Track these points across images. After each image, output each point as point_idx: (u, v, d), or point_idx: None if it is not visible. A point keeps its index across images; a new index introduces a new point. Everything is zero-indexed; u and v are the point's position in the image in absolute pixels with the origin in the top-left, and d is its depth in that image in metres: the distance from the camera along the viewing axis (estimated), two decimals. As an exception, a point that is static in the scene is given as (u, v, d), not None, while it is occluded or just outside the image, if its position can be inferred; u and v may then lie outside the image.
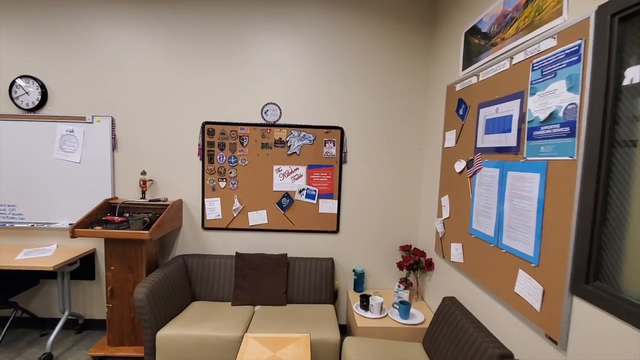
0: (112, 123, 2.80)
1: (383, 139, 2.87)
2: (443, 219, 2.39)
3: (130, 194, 2.85)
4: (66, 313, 2.75)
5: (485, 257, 1.84)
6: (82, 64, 2.76)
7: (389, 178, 2.90)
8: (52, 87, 2.77)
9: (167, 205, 2.69)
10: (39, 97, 2.75)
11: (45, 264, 2.42)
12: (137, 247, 2.51)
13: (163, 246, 2.92)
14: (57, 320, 2.84)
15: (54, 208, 2.83)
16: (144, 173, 2.75)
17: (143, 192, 2.76)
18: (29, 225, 2.82)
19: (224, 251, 2.92)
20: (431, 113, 2.75)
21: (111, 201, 2.74)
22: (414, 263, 2.71)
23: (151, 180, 2.84)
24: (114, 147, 2.82)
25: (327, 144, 2.84)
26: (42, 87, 2.75)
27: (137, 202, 2.72)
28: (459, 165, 2.16)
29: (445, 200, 2.37)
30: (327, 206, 2.89)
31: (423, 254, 2.76)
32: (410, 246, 2.89)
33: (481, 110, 1.94)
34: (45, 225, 2.82)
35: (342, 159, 2.86)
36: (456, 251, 2.17)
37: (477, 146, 1.97)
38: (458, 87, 2.25)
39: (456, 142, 2.24)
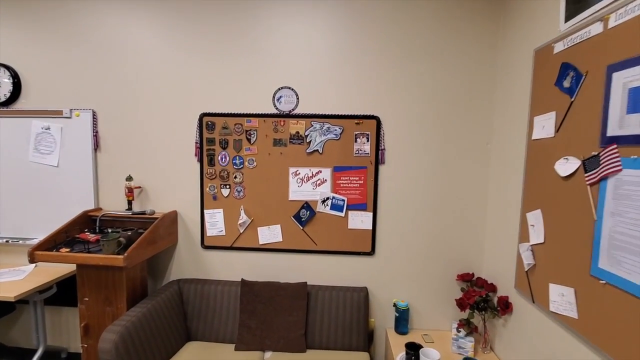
0: (94, 117, 2.29)
1: (433, 132, 2.14)
2: (531, 245, 1.63)
3: (117, 203, 2.33)
4: (41, 348, 2.27)
5: (629, 321, 1.08)
6: (60, 48, 2.27)
7: (441, 183, 2.16)
8: (27, 77, 2.31)
9: (155, 218, 2.12)
10: (11, 88, 2.29)
11: (6, 293, 1.93)
12: (115, 274, 1.96)
13: (155, 268, 2.37)
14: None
15: (30, 221, 2.37)
16: (129, 179, 2.21)
17: (129, 202, 2.23)
18: (3, 240, 2.38)
19: (227, 275, 2.32)
20: (505, 93, 1.98)
21: (92, 213, 2.23)
22: (481, 300, 1.96)
23: (139, 187, 2.30)
24: (96, 146, 2.30)
25: (358, 139, 2.16)
26: (15, 76, 2.29)
27: (120, 214, 2.19)
28: (567, 166, 1.40)
29: (534, 217, 1.61)
30: (359, 220, 2.20)
31: (493, 287, 2.00)
32: (473, 275, 2.14)
33: (616, 76, 1.18)
34: (20, 242, 2.37)
35: (378, 159, 2.17)
36: (561, 298, 1.41)
37: (608, 134, 1.21)
38: (559, 47, 1.48)
39: (557, 131, 1.48)
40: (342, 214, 2.21)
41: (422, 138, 2.15)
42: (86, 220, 2.22)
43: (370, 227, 2.21)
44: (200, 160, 2.25)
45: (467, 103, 2.11)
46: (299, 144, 2.19)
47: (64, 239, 2.02)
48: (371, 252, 2.22)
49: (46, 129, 2.31)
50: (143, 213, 2.13)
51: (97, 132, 2.30)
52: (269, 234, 2.26)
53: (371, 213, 2.20)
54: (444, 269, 2.21)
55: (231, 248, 2.29)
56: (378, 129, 2.15)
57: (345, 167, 2.18)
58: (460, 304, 2.01)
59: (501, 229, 1.97)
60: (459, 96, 2.11)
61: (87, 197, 2.32)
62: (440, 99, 2.12)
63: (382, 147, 2.16)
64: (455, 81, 2.10)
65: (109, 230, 2.16)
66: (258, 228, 2.26)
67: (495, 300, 1.97)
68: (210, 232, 2.29)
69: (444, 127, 2.13)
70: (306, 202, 2.21)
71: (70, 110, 2.29)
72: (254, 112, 2.20)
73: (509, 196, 1.88)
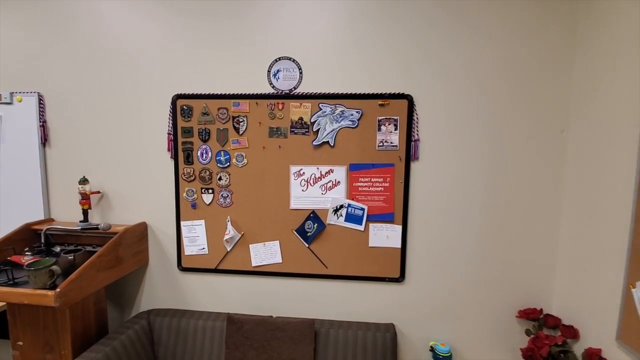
0: (40, 103, 1.78)
1: (485, 116, 1.56)
2: (662, 285, 1.05)
3: (74, 213, 1.83)
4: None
5: None
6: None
7: (496, 186, 1.58)
8: (-42, 52, 1.81)
9: (113, 235, 1.60)
10: (-63, 66, 1.80)
11: None
12: (56, 311, 1.46)
13: (120, 295, 1.86)
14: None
15: (-32, 234, 1.88)
16: (83, 181, 1.70)
17: (84, 212, 1.71)
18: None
19: (211, 305, 1.80)
20: (595, 55, 1.39)
21: (36, 226, 1.73)
22: (559, 352, 1.39)
23: (98, 192, 1.78)
24: (43, 139, 1.80)
25: (383, 127, 1.60)
26: (-57, 51, 1.80)
27: (70, 228, 1.68)
28: None
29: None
30: (384, 235, 1.65)
31: (572, 332, 1.43)
32: (540, 312, 1.57)
33: None
34: (-45, 260, 1.89)
35: (409, 153, 1.60)
36: None
37: None
38: None
39: None
40: (361, 228, 1.65)
41: (469, 124, 1.57)
42: (30, 236, 1.72)
43: (399, 245, 1.65)
44: (175, 157, 1.72)
45: (533, 76, 1.52)
46: (304, 134, 1.64)
47: (-9, 263, 1.52)
48: (400, 278, 1.67)
49: (-18, 119, 1.81)
50: (94, 228, 1.61)
51: (44, 121, 1.79)
52: (265, 253, 1.72)
53: (400, 226, 1.64)
54: (499, 302, 1.64)
55: (216, 271, 1.76)
56: (410, 113, 1.58)
57: (365, 165, 1.62)
58: (530, 357, 1.44)
59: (588, 252, 1.38)
60: (520, 68, 1.52)
61: (35, 205, 1.82)
62: (496, 70, 1.53)
63: (415, 137, 1.60)
64: (516, 44, 1.51)
65: (57, 250, 1.66)
66: (250, 245, 1.72)
67: (581, 353, 1.39)
68: (189, 250, 1.76)
69: (500, 108, 1.55)
70: (313, 212, 1.67)
71: (11, 94, 1.78)
72: (243, 92, 1.65)
73: (606, 207, 1.30)
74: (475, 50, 1.53)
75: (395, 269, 1.67)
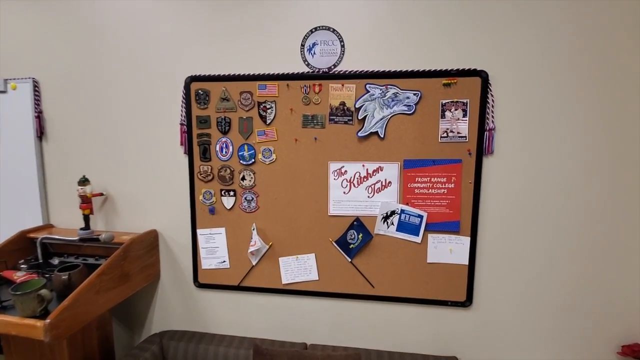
0: (35, 90, 1.52)
1: (585, 97, 1.19)
2: None
3: (75, 217, 1.58)
4: None
5: None
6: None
7: (589, 193, 1.22)
8: (-56, 33, 1.57)
9: (118, 246, 1.34)
10: None
11: None
12: (50, 340, 1.21)
13: (128, 314, 1.61)
14: None
15: (-39, 241, 1.67)
16: (84, 182, 1.44)
17: (86, 218, 1.46)
18: None
19: (233, 329, 1.52)
20: None
21: (32, 234, 1.48)
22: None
23: (102, 194, 1.52)
24: (39, 132, 1.54)
25: (447, 112, 1.26)
26: None
27: (68, 238, 1.42)
28: None
29: None
30: (446, 249, 1.32)
31: None
32: (656, 350, 1.21)
33: None
34: (-51, 270, 1.67)
35: (483, 146, 1.26)
36: None
37: None
38: None
39: None
40: (418, 239, 1.33)
41: (565, 109, 1.21)
42: (26, 245, 1.48)
43: (466, 261, 1.32)
44: (189, 152, 1.43)
45: (655, 41, 1.15)
46: (346, 122, 1.32)
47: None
48: (466, 302, 1.34)
49: (-29, 109, 1.57)
50: (95, 239, 1.34)
51: (40, 111, 1.53)
52: (298, 269, 1.42)
53: (468, 238, 1.30)
54: (595, 335, 1.29)
55: (239, 288, 1.47)
56: (484, 94, 1.23)
57: (424, 161, 1.29)
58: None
59: None
60: (635, 27, 1.15)
61: (32, 208, 1.58)
62: (600, 37, 1.16)
63: (491, 125, 1.25)
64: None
65: (55, 262, 1.41)
66: (280, 259, 1.42)
67: None
68: (206, 263, 1.48)
69: (605, 87, 1.18)
70: (357, 219, 1.35)
71: (5, 80, 1.54)
72: (271, 73, 1.34)
73: None
74: (574, 11, 1.16)
75: (460, 291, 1.34)
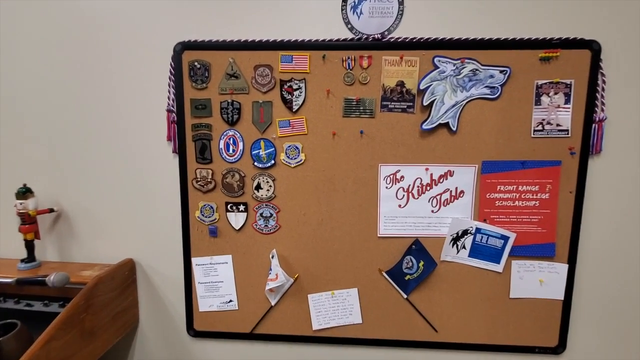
0: (-53, 60, 1.05)
1: None
2: None
3: (14, 243, 1.11)
4: None
5: None
6: None
7: None
8: None
9: (77, 286, 0.90)
10: None
11: None
12: None
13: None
14: None
15: None
16: (24, 193, 0.99)
17: (28, 246, 1.01)
18: None
19: (246, 391, 1.13)
20: None
21: (-55, 270, 1.01)
22: None
23: (53, 210, 1.07)
24: (-45, 123, 1.07)
25: (544, 97, 0.93)
26: None
27: (1, 280, 0.97)
28: None
29: None
30: (535, 279, 0.99)
31: None
32: None
33: None
34: None
35: (592, 142, 0.94)
36: None
37: None
38: None
39: None
40: (499, 267, 0.99)
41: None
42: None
43: (561, 296, 1.00)
44: (180, 150, 1.02)
45: None
46: (404, 110, 0.96)
47: None
48: (558, 348, 1.02)
49: None
50: (40, 282, 0.89)
51: (-44, 92, 1.06)
52: (334, 309, 1.05)
53: (565, 266, 0.98)
54: None
55: (252, 336, 1.08)
56: (593, 74, 0.91)
57: (510, 164, 0.96)
58: None
59: None
60: None
61: (-53, 230, 1.11)
62: None
63: (601, 115, 0.93)
64: None
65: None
66: (309, 296, 1.05)
67: None
68: (205, 303, 1.08)
69: None
70: (416, 241, 1.00)
71: None
72: (299, 39, 0.96)
73: None
74: None
75: (551, 334, 1.02)
